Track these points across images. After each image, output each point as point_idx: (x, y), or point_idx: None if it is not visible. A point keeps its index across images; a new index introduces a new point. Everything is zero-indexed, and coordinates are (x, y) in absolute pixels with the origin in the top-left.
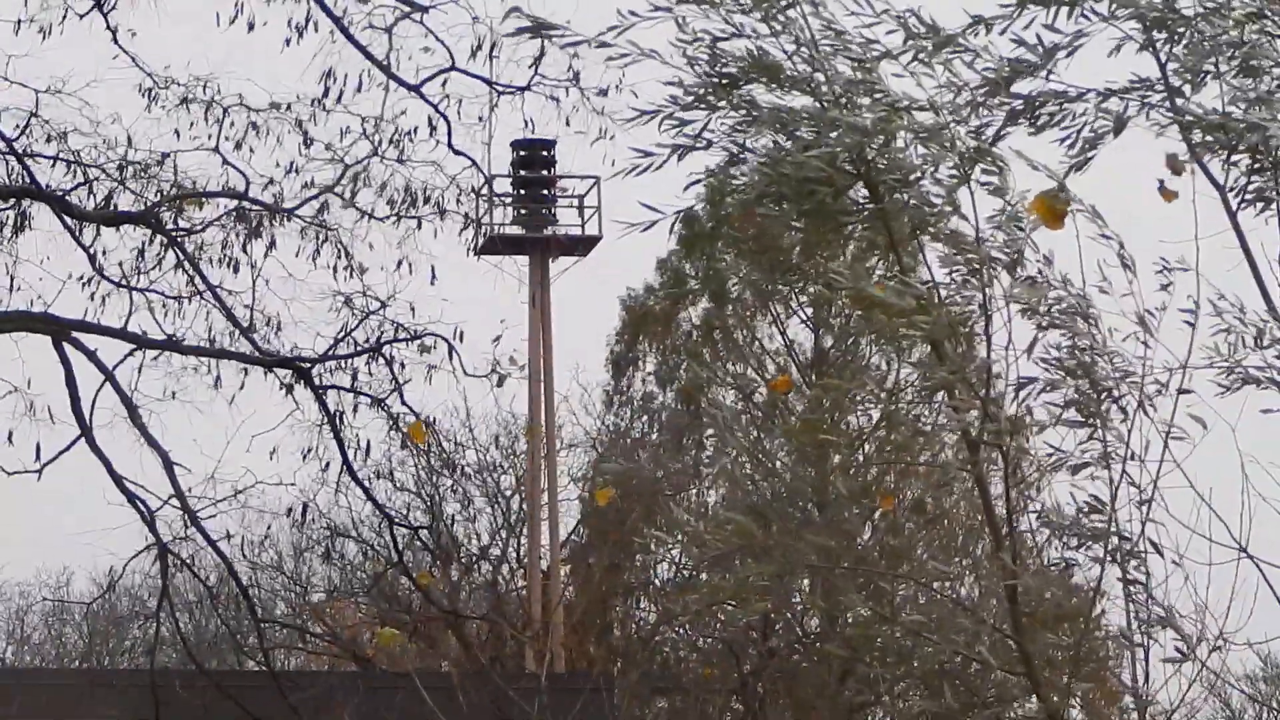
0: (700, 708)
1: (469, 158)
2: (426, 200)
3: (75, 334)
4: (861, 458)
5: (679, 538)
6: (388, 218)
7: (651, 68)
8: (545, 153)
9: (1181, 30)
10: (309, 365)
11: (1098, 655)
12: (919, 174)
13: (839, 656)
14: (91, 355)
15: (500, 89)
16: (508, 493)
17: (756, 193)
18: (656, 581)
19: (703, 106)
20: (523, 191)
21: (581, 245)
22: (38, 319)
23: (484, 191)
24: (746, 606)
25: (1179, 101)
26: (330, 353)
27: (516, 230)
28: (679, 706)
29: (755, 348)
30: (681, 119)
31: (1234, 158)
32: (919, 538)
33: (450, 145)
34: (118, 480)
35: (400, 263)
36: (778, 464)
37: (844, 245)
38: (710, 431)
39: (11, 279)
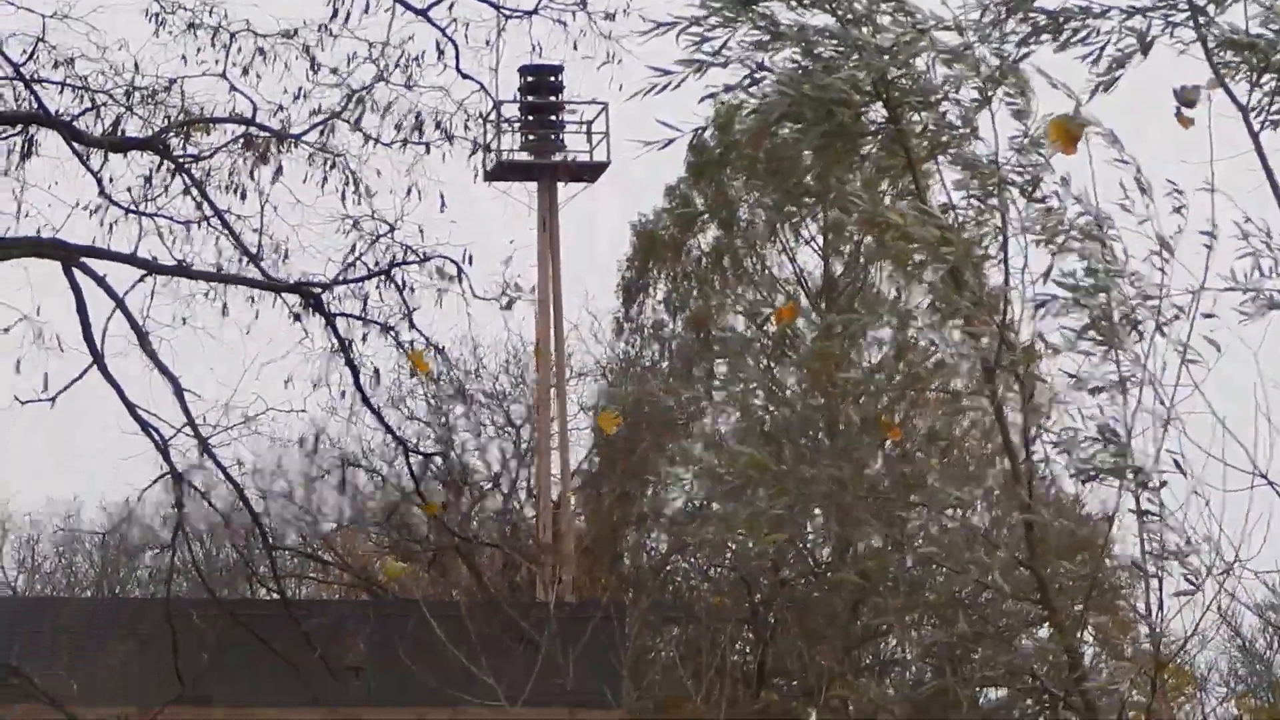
0: (711, 637)
1: (477, 81)
2: (436, 126)
3: (85, 260)
4: (874, 387)
5: (691, 469)
6: (395, 143)
7: None
8: (553, 78)
9: None
10: (319, 290)
11: (1112, 584)
12: (941, 95)
13: (851, 585)
14: (101, 281)
15: (507, 13)
16: (518, 421)
17: (777, 113)
18: (668, 511)
19: (721, 21)
20: (530, 117)
21: (590, 171)
22: (47, 245)
23: (492, 117)
24: (759, 538)
25: (1204, 20)
26: (340, 277)
27: (524, 156)
28: (690, 635)
29: (765, 275)
30: (699, 34)
31: (1261, 79)
32: (932, 466)
33: (458, 69)
34: (130, 408)
35: (409, 189)
36: (788, 392)
37: (859, 168)
38: (721, 359)
39: (19, 205)
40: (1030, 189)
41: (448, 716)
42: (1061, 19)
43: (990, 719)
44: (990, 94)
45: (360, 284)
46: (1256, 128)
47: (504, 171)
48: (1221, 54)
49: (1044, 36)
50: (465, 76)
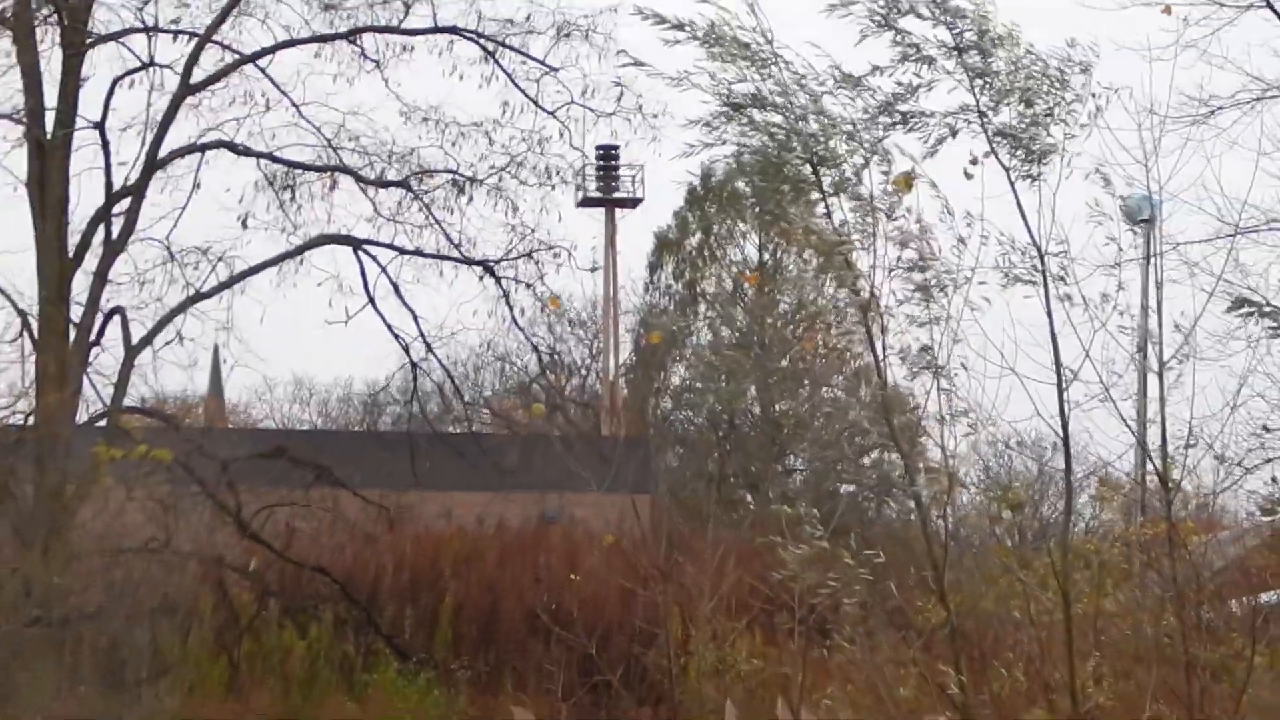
0: (696, 455)
1: (580, 150)
2: (557, 174)
3: (365, 246)
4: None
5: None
6: (535, 184)
7: (695, 95)
8: (615, 149)
9: (989, 79)
10: (495, 263)
11: (925, 429)
12: (841, 161)
13: (773, 428)
14: (374, 258)
15: (597, 114)
16: (592, 338)
17: (756, 169)
18: (673, 388)
19: (722, 120)
20: (602, 173)
21: (633, 203)
22: (345, 238)
23: (585, 171)
24: (722, 400)
25: (987, 120)
26: (506, 255)
27: (598, 194)
28: (685, 455)
29: (727, 260)
30: (711, 127)
31: (1017, 151)
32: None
33: (571, 144)
34: (389, 326)
35: (542, 209)
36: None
37: (796, 202)
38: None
39: (329, 217)
40: (890, 213)
41: (558, 494)
42: (909, 117)
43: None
44: (868, 160)
45: (515, 261)
46: (1013, 178)
47: (588, 202)
48: (997, 139)
49: (898, 127)
50: (574, 148)
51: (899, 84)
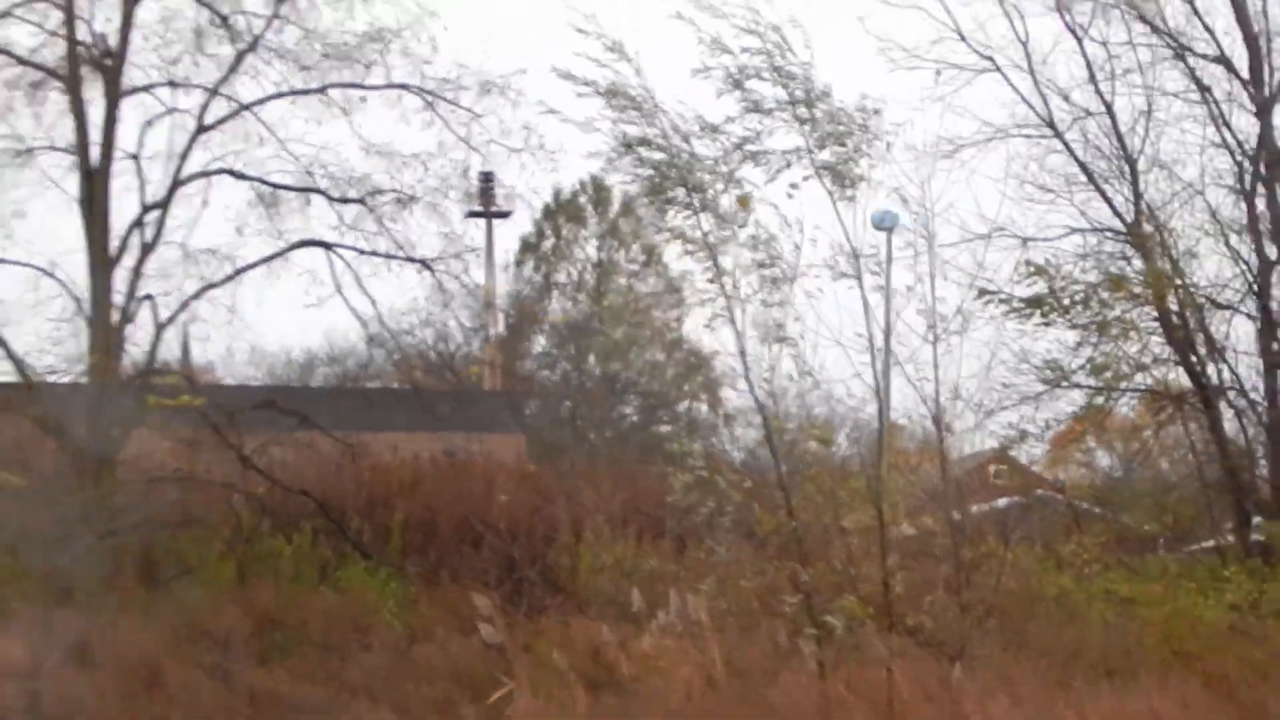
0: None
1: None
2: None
3: (334, 249)
4: None
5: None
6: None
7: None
8: (492, 175)
9: (813, 125)
10: (430, 260)
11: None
12: (706, 186)
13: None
14: (341, 257)
15: (509, 149)
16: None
17: (645, 190)
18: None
19: (618, 153)
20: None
21: (504, 215)
22: (318, 242)
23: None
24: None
25: (813, 154)
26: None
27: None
28: (543, 406)
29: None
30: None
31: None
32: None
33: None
34: (351, 309)
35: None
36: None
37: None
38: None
39: (305, 226)
40: (742, 224)
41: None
42: (755, 154)
43: None
44: (726, 186)
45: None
46: (834, 199)
47: (473, 214)
48: (821, 170)
49: (747, 162)
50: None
51: (747, 129)
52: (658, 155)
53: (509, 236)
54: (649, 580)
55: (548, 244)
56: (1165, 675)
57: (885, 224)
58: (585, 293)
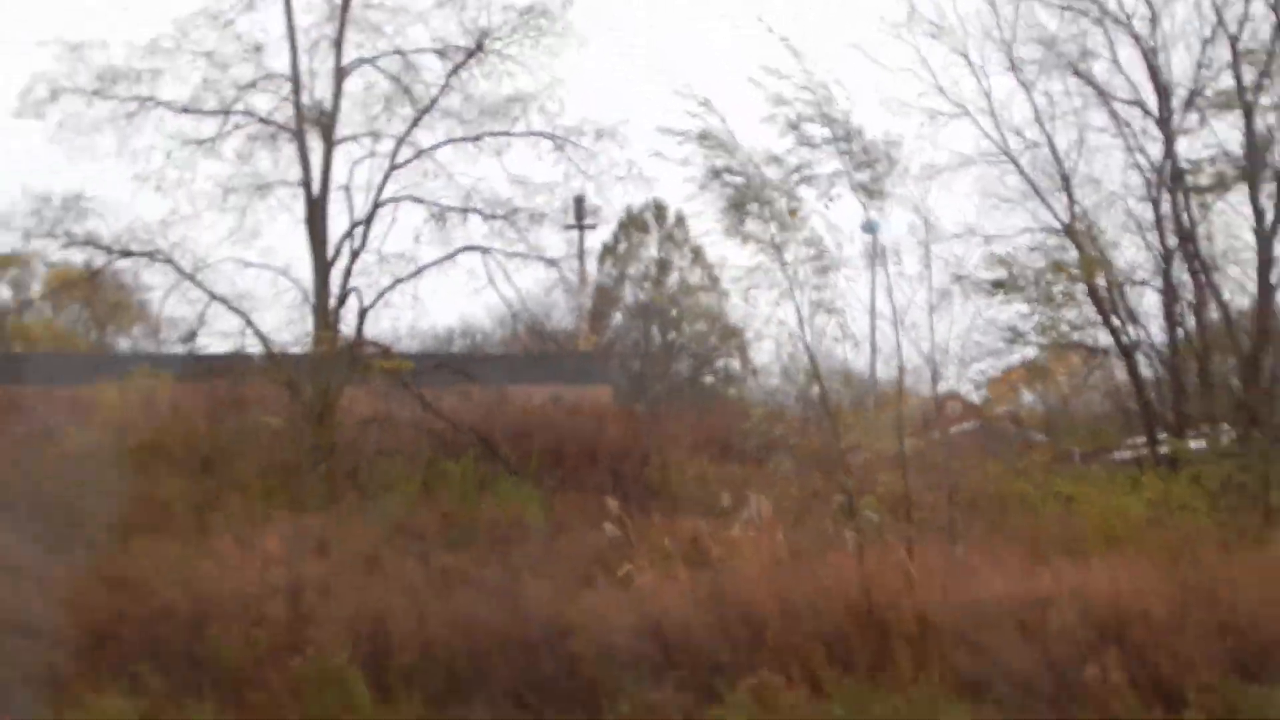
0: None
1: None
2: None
3: (489, 252)
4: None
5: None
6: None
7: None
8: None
9: (850, 155)
10: (558, 260)
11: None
12: (773, 200)
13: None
14: (493, 258)
15: (617, 178)
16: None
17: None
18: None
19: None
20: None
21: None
22: (477, 247)
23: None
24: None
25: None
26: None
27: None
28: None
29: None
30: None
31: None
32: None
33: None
34: (501, 296)
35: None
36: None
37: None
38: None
39: (466, 236)
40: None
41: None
42: (809, 177)
43: None
44: (786, 200)
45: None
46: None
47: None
48: (857, 189)
49: (802, 184)
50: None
51: (800, 159)
52: (738, 179)
53: (595, 242)
54: (730, 486)
55: (622, 247)
56: (1105, 554)
57: (872, 230)
58: (649, 282)
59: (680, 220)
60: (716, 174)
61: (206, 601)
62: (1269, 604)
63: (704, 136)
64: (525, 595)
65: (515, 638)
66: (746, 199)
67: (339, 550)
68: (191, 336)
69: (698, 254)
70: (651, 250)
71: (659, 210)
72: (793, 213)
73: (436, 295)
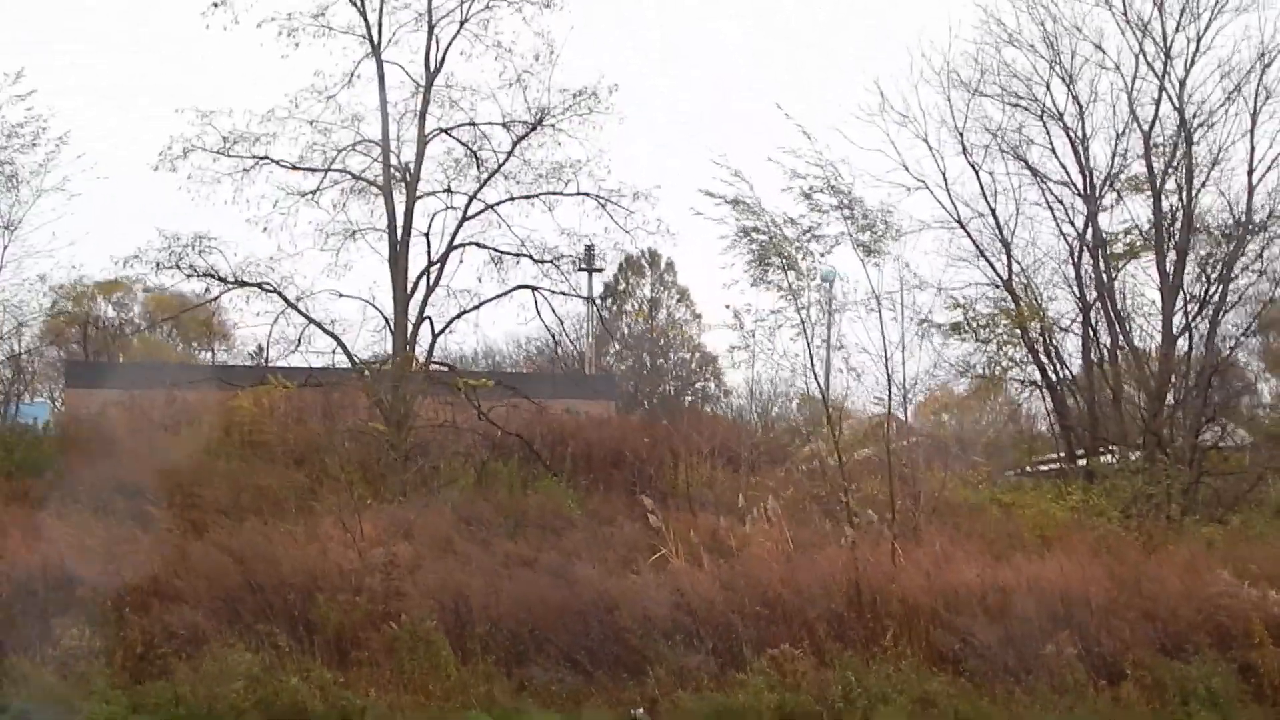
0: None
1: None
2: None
3: (538, 290)
4: None
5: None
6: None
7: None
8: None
9: (853, 219)
10: (596, 299)
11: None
12: (790, 255)
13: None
14: (543, 295)
15: (649, 232)
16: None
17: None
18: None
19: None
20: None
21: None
22: (529, 286)
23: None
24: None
25: (854, 237)
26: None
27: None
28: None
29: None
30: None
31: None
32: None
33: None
34: (546, 327)
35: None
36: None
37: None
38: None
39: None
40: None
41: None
42: (818, 236)
43: None
44: (801, 254)
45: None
46: (865, 264)
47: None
48: (858, 248)
49: (812, 240)
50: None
51: (812, 221)
52: (763, 237)
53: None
54: (736, 489)
55: (620, 287)
56: (1040, 551)
57: (829, 278)
58: (642, 316)
59: (670, 266)
60: (746, 233)
61: (316, 575)
62: (1182, 596)
63: (736, 202)
64: (577, 576)
65: (570, 611)
66: (769, 252)
67: (420, 535)
68: (260, 352)
69: (683, 294)
70: (645, 290)
71: (653, 257)
72: (826, 280)
73: (495, 325)
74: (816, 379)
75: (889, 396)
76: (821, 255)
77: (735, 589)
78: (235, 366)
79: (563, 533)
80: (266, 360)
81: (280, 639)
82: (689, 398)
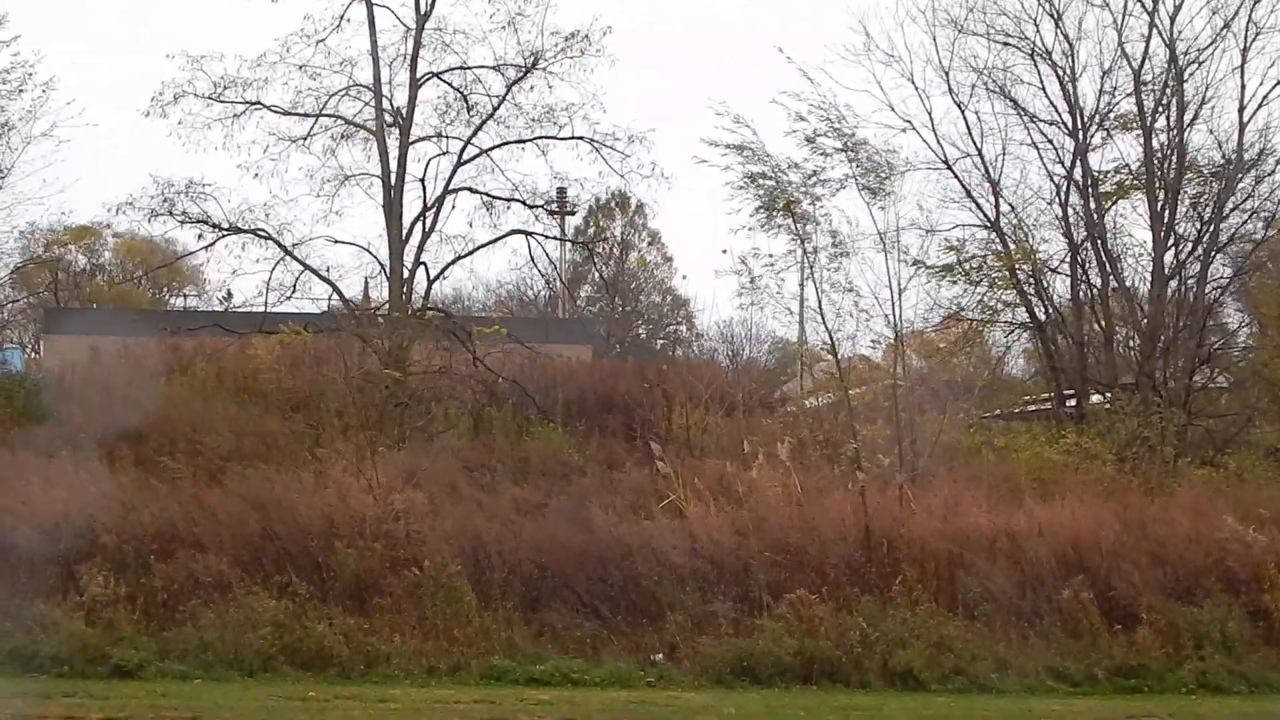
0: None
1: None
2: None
3: (532, 235)
4: None
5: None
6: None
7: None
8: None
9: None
10: (591, 242)
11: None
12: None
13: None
14: (535, 239)
15: (642, 175)
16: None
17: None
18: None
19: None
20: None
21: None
22: (522, 230)
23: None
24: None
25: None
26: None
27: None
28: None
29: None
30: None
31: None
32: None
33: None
34: (537, 268)
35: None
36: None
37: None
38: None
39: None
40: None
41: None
42: (824, 180)
43: None
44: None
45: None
46: (870, 205)
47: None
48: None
49: (817, 185)
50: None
51: (816, 165)
52: (769, 183)
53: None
54: (730, 434)
55: (591, 230)
56: (1038, 494)
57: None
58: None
59: (640, 208)
60: (752, 179)
61: (332, 521)
62: (1190, 540)
63: (741, 148)
64: (593, 521)
65: (587, 556)
66: (775, 199)
67: (427, 481)
68: (229, 296)
69: (654, 237)
70: (616, 232)
71: (623, 200)
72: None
73: (489, 270)
74: (824, 322)
75: (900, 339)
76: (830, 198)
77: (748, 534)
78: (234, 313)
79: (569, 478)
80: (268, 307)
81: (300, 586)
82: (660, 341)
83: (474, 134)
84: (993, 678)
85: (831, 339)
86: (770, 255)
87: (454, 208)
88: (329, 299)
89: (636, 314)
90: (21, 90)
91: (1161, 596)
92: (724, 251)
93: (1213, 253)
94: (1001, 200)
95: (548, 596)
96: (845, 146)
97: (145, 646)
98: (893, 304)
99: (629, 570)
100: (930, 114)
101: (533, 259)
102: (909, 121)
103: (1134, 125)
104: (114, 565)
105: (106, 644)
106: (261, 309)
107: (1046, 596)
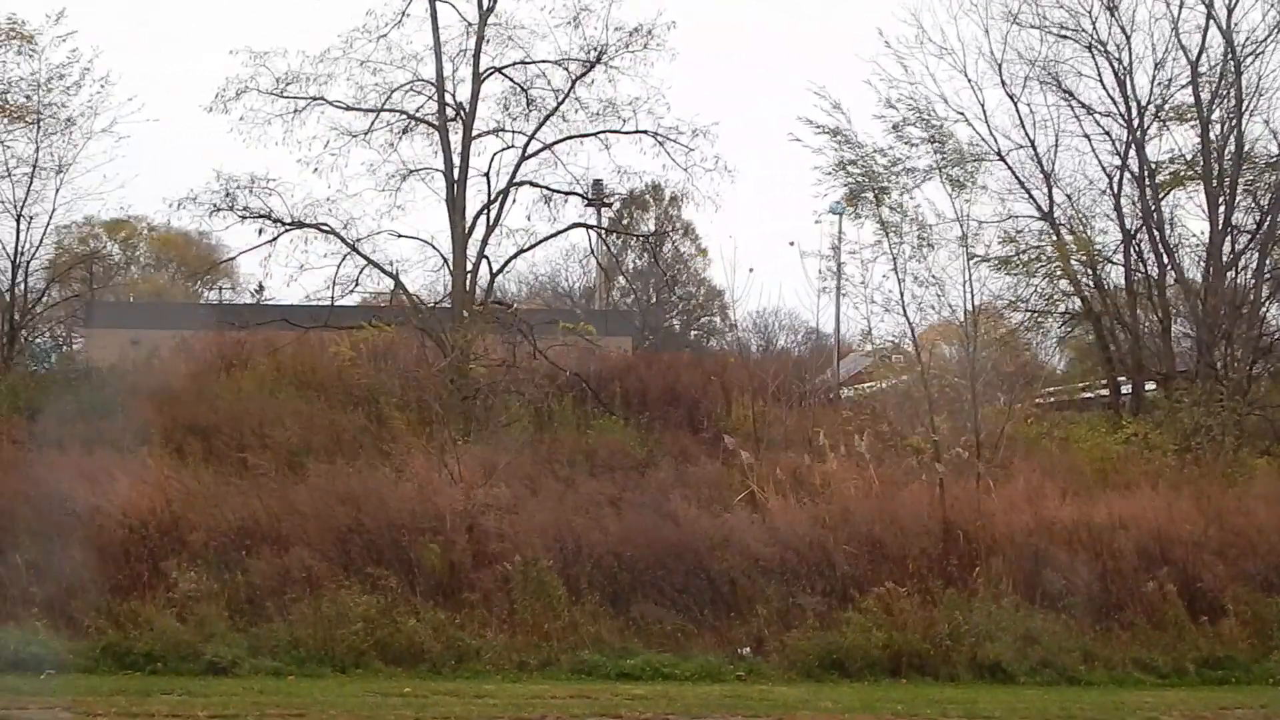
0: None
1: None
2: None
3: (592, 229)
4: None
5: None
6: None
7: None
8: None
9: (943, 153)
10: (650, 235)
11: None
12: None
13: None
14: (597, 233)
15: (706, 169)
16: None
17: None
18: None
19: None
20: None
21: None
22: (584, 224)
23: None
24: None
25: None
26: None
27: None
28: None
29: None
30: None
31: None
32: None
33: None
34: (598, 261)
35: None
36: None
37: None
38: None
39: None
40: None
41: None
42: (910, 170)
43: None
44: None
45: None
46: (951, 195)
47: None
48: (946, 180)
49: (902, 173)
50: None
51: (900, 154)
52: (858, 170)
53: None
54: (819, 427)
55: (625, 221)
56: (1103, 485)
57: (837, 210)
58: (648, 251)
59: (674, 200)
60: (842, 165)
61: (419, 515)
62: (1273, 531)
63: (835, 132)
64: (677, 514)
65: (672, 549)
66: (864, 185)
67: (507, 475)
68: (260, 289)
69: (688, 229)
70: (650, 224)
71: (657, 191)
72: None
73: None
74: (905, 314)
75: (973, 330)
76: (915, 188)
77: (831, 527)
78: (294, 306)
79: (640, 472)
80: (333, 301)
81: (390, 580)
82: (694, 332)
83: (539, 127)
84: (1080, 670)
85: (912, 330)
86: (856, 243)
87: (514, 202)
88: (391, 294)
89: (673, 304)
90: (79, 86)
91: (1246, 588)
92: (791, 244)
93: (1270, 244)
94: (1056, 191)
95: (633, 590)
96: (932, 137)
97: (237, 643)
98: (968, 295)
99: (715, 562)
100: (983, 105)
101: (593, 251)
102: (961, 113)
103: (1190, 116)
104: (202, 561)
105: (199, 640)
106: (320, 303)
107: (1129, 588)
